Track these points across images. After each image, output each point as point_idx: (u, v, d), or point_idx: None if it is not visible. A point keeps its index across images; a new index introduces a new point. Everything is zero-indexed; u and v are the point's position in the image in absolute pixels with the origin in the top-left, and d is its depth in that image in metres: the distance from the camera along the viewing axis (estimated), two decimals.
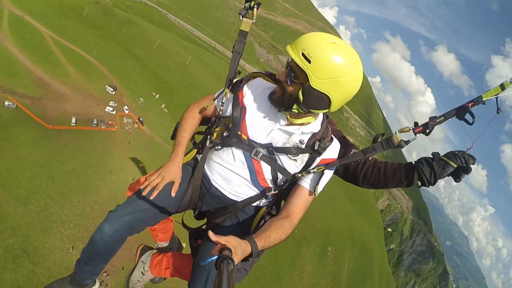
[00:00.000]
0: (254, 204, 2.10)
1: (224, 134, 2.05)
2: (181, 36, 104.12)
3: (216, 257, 1.34)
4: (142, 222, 2.00)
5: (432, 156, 2.01)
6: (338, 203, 56.23)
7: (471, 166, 1.95)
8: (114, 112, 39.50)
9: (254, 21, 2.05)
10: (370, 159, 2.19)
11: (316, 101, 1.74)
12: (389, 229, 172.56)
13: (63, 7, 55.70)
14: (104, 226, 1.92)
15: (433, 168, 1.96)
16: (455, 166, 1.92)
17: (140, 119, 39.62)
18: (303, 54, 1.64)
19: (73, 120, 35.30)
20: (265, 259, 31.41)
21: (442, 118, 1.96)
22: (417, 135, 1.94)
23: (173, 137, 2.24)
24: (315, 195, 1.95)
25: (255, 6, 2.02)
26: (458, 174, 1.95)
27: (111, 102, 40.31)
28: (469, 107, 1.93)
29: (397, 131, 1.97)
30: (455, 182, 2.03)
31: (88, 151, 32.29)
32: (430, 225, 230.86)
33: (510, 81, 1.89)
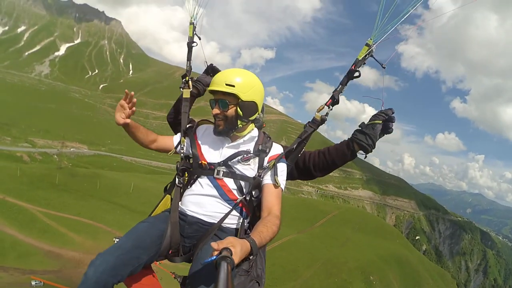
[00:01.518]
0: (231, 222, 2.25)
1: (186, 167, 2.42)
2: (144, 172, 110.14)
3: (216, 257, 1.35)
4: (126, 263, 1.99)
5: (360, 126, 2.35)
6: (352, 239, 58.84)
7: (392, 115, 2.31)
8: None
9: (191, 89, 2.73)
10: (315, 151, 2.56)
11: (250, 109, 2.22)
12: (417, 237, 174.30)
13: (33, 180, 59.20)
14: (88, 272, 1.90)
15: (365, 133, 2.29)
16: (381, 122, 2.30)
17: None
18: (227, 84, 2.13)
19: None
20: None
21: (340, 85, 2.41)
22: (331, 106, 2.41)
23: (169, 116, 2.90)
24: (278, 185, 2.16)
25: (190, 80, 2.74)
26: (387, 127, 2.32)
27: None
28: (353, 68, 2.34)
29: (315, 112, 2.44)
30: (388, 134, 2.39)
31: None
32: (442, 208, 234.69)
33: (371, 38, 2.33)
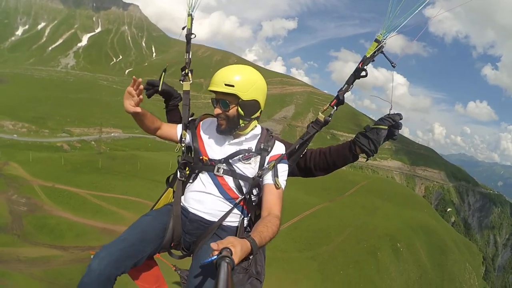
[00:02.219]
0: (232, 220, 2.26)
1: (188, 161, 2.42)
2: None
3: (216, 257, 1.35)
4: (130, 255, 2.04)
5: (364, 129, 2.28)
6: (381, 208, 60.25)
7: (400, 121, 2.19)
8: None
9: (191, 81, 2.75)
10: (316, 150, 2.51)
11: (251, 108, 2.20)
12: (448, 209, 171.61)
13: (77, 166, 62.89)
14: (92, 264, 1.93)
15: (368, 137, 2.22)
16: (386, 127, 2.20)
17: None
18: (226, 84, 2.10)
19: None
20: (355, 277, 36.03)
21: (346, 85, 2.31)
22: (335, 107, 2.37)
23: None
24: (278, 187, 2.14)
25: (189, 72, 2.76)
26: (392, 133, 2.22)
27: None
28: (360, 66, 2.25)
29: (319, 112, 2.36)
30: (393, 141, 2.30)
31: None
32: (472, 180, 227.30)
33: (381, 33, 2.22)
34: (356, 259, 38.05)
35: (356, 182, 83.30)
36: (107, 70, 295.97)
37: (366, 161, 2.34)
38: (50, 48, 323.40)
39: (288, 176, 2.39)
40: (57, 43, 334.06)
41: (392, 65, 2.22)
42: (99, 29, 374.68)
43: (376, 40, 2.23)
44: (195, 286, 1.92)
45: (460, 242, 75.05)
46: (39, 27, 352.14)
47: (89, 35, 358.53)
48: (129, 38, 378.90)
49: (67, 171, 59.91)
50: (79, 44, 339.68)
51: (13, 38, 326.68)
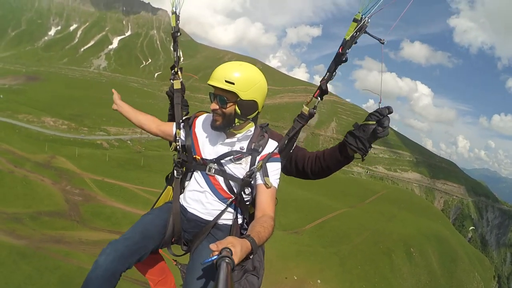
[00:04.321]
0: (226, 218, 2.30)
1: (183, 159, 2.43)
2: None
3: (216, 257, 1.34)
4: (134, 252, 2.13)
5: (353, 127, 2.17)
6: (398, 216, 64.24)
7: (387, 115, 2.04)
8: None
9: (181, 79, 2.74)
10: (313, 154, 2.45)
11: (249, 108, 2.15)
12: (471, 228, 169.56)
13: (120, 163, 66.36)
14: (99, 260, 2.02)
15: (355, 136, 2.12)
16: (374, 122, 2.07)
17: None
18: (226, 81, 2.04)
19: None
20: (371, 273, 40.56)
21: (328, 73, 2.25)
22: (319, 98, 2.29)
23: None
24: (269, 186, 2.10)
25: (179, 70, 2.75)
26: (379, 129, 2.05)
27: None
28: (341, 51, 2.15)
29: (303, 105, 2.32)
30: (381, 137, 2.11)
31: None
32: (492, 196, 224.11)
33: (359, 11, 2.09)
34: (373, 258, 42.79)
35: (376, 191, 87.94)
36: (138, 73, 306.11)
37: (362, 160, 2.21)
38: (82, 49, 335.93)
39: (287, 175, 2.55)
40: (89, 45, 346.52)
41: (381, 42, 2.07)
42: (129, 33, 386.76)
43: (355, 20, 2.10)
44: (191, 284, 2.00)
45: (472, 254, 77.98)
46: (71, 28, 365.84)
47: (119, 38, 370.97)
48: (157, 42, 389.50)
49: (113, 167, 63.69)
50: (110, 47, 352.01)
51: (46, 38, 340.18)
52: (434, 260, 55.80)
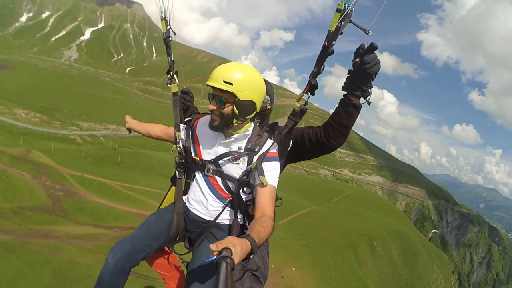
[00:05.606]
0: (226, 218, 2.35)
1: (183, 161, 2.51)
2: None
3: (216, 257, 1.35)
4: (139, 250, 2.25)
5: (348, 73, 2.21)
6: (362, 214, 68.41)
7: (372, 51, 2.02)
8: None
9: (178, 83, 2.83)
10: (316, 127, 2.48)
11: (247, 109, 2.18)
12: (434, 231, 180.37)
13: (97, 159, 63.49)
14: (108, 257, 2.18)
15: (349, 79, 2.19)
16: (358, 60, 2.11)
17: None
18: (224, 81, 2.07)
19: None
20: (339, 262, 44.07)
21: (316, 67, 2.21)
22: (309, 93, 2.30)
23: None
24: (265, 185, 2.13)
25: (174, 74, 2.85)
26: (363, 63, 2.06)
27: None
28: (326, 43, 2.12)
29: (295, 102, 2.32)
30: (371, 72, 2.06)
31: None
32: (452, 200, 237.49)
33: (341, 1, 2.02)
34: (340, 250, 46.16)
35: (342, 191, 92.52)
36: (109, 67, 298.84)
37: (369, 104, 2.19)
38: (53, 39, 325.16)
39: (307, 159, 2.58)
40: (61, 34, 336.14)
41: (366, 33, 1.99)
42: (102, 24, 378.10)
43: (338, 10, 2.03)
44: (192, 284, 2.06)
45: (431, 250, 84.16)
46: (43, 16, 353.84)
47: (92, 29, 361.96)
48: (131, 36, 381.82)
49: (90, 163, 60.52)
50: (82, 38, 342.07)
51: (17, 25, 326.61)
52: (395, 254, 60.60)
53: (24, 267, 15.02)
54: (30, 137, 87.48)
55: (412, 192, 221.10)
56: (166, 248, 2.68)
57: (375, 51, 2.06)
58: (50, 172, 49.78)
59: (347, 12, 2.03)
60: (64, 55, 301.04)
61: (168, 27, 2.86)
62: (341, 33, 2.09)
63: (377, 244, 57.83)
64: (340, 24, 2.05)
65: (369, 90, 2.17)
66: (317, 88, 2.28)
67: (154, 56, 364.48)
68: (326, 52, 2.16)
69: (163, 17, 2.82)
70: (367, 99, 2.20)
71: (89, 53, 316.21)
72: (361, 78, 2.12)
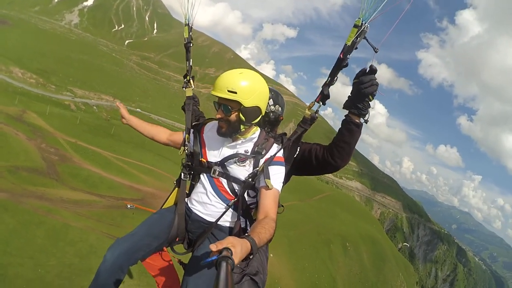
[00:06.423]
0: (228, 220, 2.36)
1: (190, 163, 2.52)
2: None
3: (216, 257, 1.35)
4: (138, 248, 2.24)
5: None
6: (339, 215, 72.56)
7: (370, 73, 2.11)
8: None
9: (194, 87, 2.84)
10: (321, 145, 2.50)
11: (253, 114, 2.23)
12: (405, 244, 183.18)
13: (91, 128, 65.74)
14: (106, 254, 2.17)
15: (349, 99, 2.25)
16: (356, 80, 2.17)
17: None
18: (229, 91, 2.11)
19: None
20: (313, 256, 46.75)
21: (329, 78, 2.24)
22: (321, 102, 2.31)
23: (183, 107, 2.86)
24: (270, 188, 2.15)
25: (191, 79, 2.84)
26: (362, 86, 2.13)
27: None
28: (342, 56, 2.15)
29: (306, 110, 2.34)
30: (368, 93, 2.13)
31: None
32: (426, 216, 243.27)
33: (359, 17, 2.10)
34: (315, 245, 49.32)
35: (323, 191, 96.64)
36: (109, 36, 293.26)
37: (366, 122, 2.27)
38: (56, 0, 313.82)
39: (308, 175, 2.61)
40: None
41: (375, 50, 2.10)
42: None
43: (355, 26, 2.11)
44: (188, 284, 2.06)
45: (399, 259, 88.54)
46: None
47: None
48: (134, 8, 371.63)
49: (84, 131, 62.57)
50: (85, 3, 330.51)
51: None
52: (365, 256, 64.22)
53: (18, 226, 14.99)
54: (25, 98, 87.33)
55: (388, 203, 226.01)
56: (164, 249, 2.64)
57: (374, 74, 2.15)
58: (45, 135, 51.87)
59: (364, 28, 2.11)
60: (65, 19, 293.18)
61: (191, 33, 2.93)
62: (356, 48, 2.17)
63: (349, 245, 63.20)
64: (356, 39, 2.12)
65: (366, 109, 2.22)
66: (329, 98, 2.32)
67: (154, 32, 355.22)
68: (340, 64, 2.21)
69: (187, 23, 2.89)
70: (365, 118, 2.26)
71: (90, 20, 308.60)
72: (358, 97, 2.19)
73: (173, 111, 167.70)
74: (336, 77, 2.24)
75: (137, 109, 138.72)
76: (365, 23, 2.09)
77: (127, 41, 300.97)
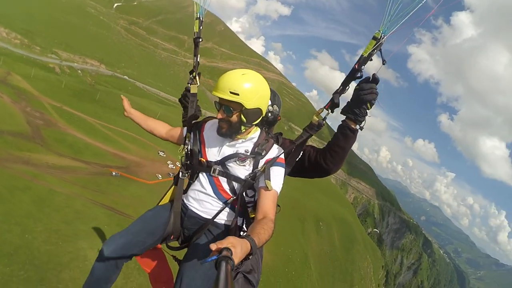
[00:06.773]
0: (224, 218, 2.34)
1: (188, 162, 2.48)
2: (154, 100, 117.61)
3: (216, 257, 1.33)
4: (133, 244, 2.26)
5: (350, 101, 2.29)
6: (314, 195, 74.99)
7: (371, 82, 2.15)
8: (174, 167, 49.61)
9: (199, 85, 2.76)
10: (315, 148, 2.51)
11: (254, 116, 2.20)
12: (375, 230, 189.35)
13: (76, 93, 64.59)
14: (102, 250, 2.19)
15: (348, 104, 2.27)
16: (357, 87, 2.21)
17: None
18: (231, 92, 2.07)
19: (159, 176, 44.79)
20: (287, 231, 48.25)
21: (341, 87, 2.24)
22: (330, 110, 2.29)
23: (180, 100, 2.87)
24: (269, 189, 2.12)
25: (197, 75, 2.77)
26: (361, 92, 2.18)
27: (168, 162, 51.49)
28: (357, 67, 2.15)
29: (314, 116, 2.33)
30: (368, 99, 2.16)
31: None
32: (397, 205, 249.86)
33: (379, 30, 2.10)
34: (289, 219, 51.50)
35: None
36: None
37: (361, 129, 2.31)
38: None
39: (299, 176, 2.62)
40: None
41: (383, 62, 2.15)
42: None
43: (374, 38, 2.13)
44: (182, 279, 2.06)
45: (367, 242, 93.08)
46: None
47: None
48: None
49: (69, 96, 62.39)
50: None
51: None
52: (336, 237, 67.60)
53: (3, 190, 14.64)
54: (9, 59, 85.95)
55: (363, 189, 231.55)
56: (159, 246, 2.67)
57: (376, 84, 2.20)
58: (29, 98, 51.82)
59: (382, 41, 2.13)
60: None
61: (201, 27, 2.86)
62: (371, 60, 2.19)
63: (322, 224, 66.43)
64: (373, 51, 2.14)
65: (363, 116, 2.25)
66: (338, 106, 2.30)
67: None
68: (354, 74, 2.21)
69: (198, 16, 2.82)
70: (361, 125, 2.29)
71: None
72: (356, 103, 2.23)
73: (159, 79, 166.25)
74: (348, 87, 2.27)
75: (124, 76, 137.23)
76: (384, 36, 2.12)
77: (115, 4, 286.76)
